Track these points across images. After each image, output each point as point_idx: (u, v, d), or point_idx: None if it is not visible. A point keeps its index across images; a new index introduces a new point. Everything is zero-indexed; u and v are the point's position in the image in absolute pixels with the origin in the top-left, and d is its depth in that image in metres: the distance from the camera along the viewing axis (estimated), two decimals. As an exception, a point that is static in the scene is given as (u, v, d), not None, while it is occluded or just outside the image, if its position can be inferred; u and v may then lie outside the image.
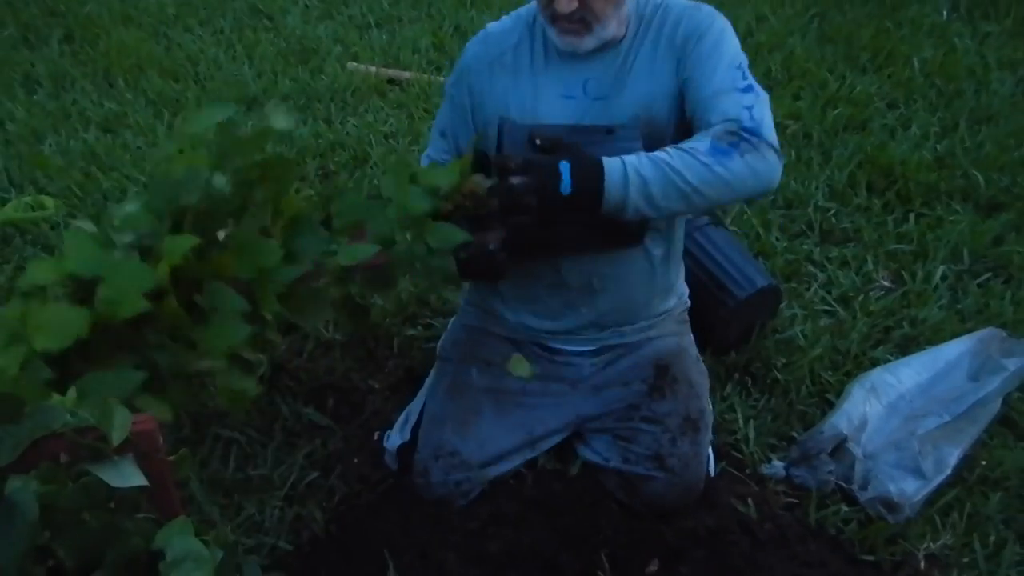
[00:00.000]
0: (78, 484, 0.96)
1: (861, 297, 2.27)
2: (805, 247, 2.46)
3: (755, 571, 1.61)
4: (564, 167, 1.31)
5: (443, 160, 1.65)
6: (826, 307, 2.25)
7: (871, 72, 3.47)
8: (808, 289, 2.30)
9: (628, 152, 1.37)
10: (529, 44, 1.56)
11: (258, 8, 4.27)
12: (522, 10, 1.61)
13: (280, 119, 1.20)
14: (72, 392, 0.97)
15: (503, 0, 4.23)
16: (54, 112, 3.23)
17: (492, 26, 1.63)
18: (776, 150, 1.38)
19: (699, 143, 1.36)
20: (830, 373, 2.03)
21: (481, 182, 1.32)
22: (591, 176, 1.32)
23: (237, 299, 1.04)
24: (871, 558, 1.64)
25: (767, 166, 1.36)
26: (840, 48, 3.63)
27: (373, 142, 2.99)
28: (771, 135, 1.39)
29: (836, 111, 3.11)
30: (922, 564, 1.62)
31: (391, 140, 3.03)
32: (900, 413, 1.76)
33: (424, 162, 1.68)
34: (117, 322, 0.98)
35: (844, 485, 1.71)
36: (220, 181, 1.07)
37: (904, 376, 1.80)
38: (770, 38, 3.62)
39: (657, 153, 1.36)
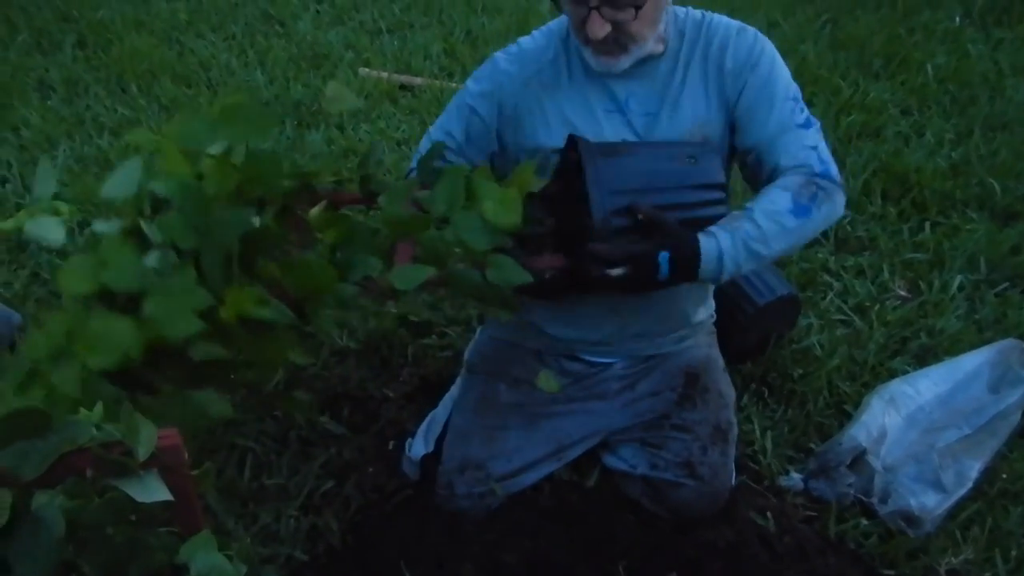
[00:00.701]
0: (103, 499, 0.96)
1: (877, 307, 2.25)
2: (820, 256, 2.44)
3: (774, 585, 1.60)
4: (664, 258, 1.31)
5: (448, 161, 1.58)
6: (842, 316, 2.24)
7: (884, 79, 3.46)
8: (824, 298, 2.29)
9: (714, 189, 1.37)
10: (565, 59, 1.51)
11: (270, 14, 4.28)
12: (553, 25, 1.57)
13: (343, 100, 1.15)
14: (99, 407, 0.96)
15: (513, 5, 4.23)
16: (68, 118, 3.23)
17: (524, 42, 1.57)
18: (842, 187, 1.45)
19: (781, 201, 1.38)
20: (847, 384, 2.02)
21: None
22: (689, 266, 1.33)
23: (288, 314, 1.01)
24: (892, 573, 1.62)
25: (837, 208, 1.45)
26: (852, 54, 3.62)
27: (386, 148, 2.99)
28: (837, 173, 1.45)
29: (850, 118, 3.10)
30: (944, 579, 1.61)
31: (404, 147, 3.03)
32: (919, 425, 1.74)
33: (415, 162, 1.58)
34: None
35: (864, 498, 1.70)
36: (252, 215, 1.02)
37: (923, 387, 1.79)
38: (782, 44, 3.60)
39: (746, 227, 1.36)
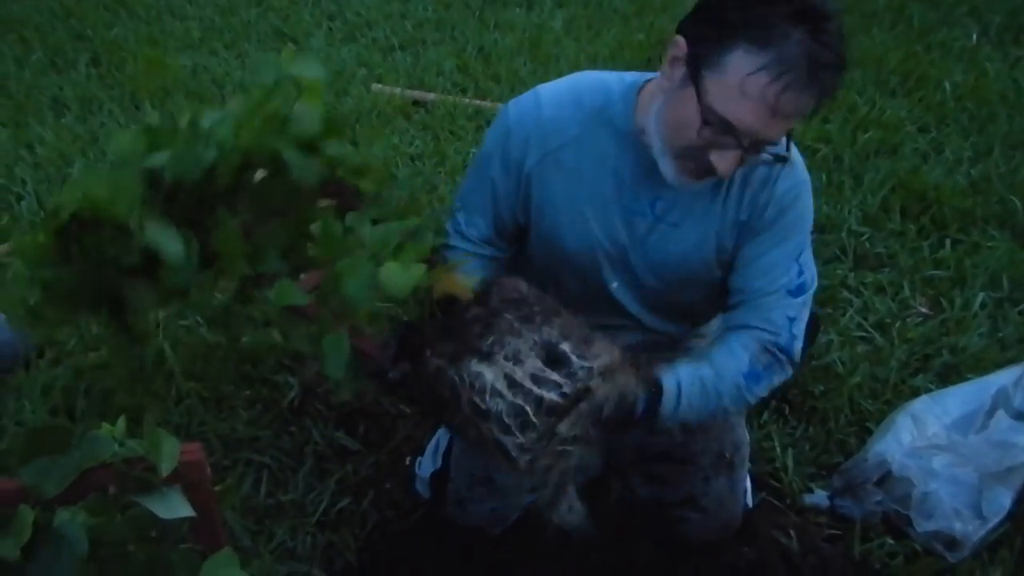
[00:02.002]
0: (126, 516, 0.95)
1: (898, 324, 2.23)
2: (839, 272, 2.42)
3: (798, 606, 1.57)
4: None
5: (483, 236, 1.40)
6: (863, 333, 2.21)
7: (901, 96, 3.44)
8: (844, 315, 2.27)
9: None
10: (593, 141, 1.31)
11: (283, 31, 4.29)
12: (584, 89, 1.33)
13: (309, 67, 1.05)
14: (121, 422, 0.95)
15: (525, 22, 4.23)
16: (82, 135, 3.24)
17: (545, 98, 1.33)
18: (795, 364, 1.37)
19: (739, 362, 1.30)
20: (869, 401, 2.00)
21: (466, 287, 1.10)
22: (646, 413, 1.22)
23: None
24: (919, 594, 1.60)
25: (783, 379, 1.36)
26: (869, 72, 3.61)
27: (400, 164, 2.99)
28: (798, 349, 1.35)
29: (867, 135, 3.09)
30: (972, 601, 1.58)
31: (417, 162, 3.03)
32: (953, 447, 1.71)
33: (453, 237, 1.40)
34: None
35: (899, 512, 1.66)
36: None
37: (950, 406, 1.76)
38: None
39: (707, 382, 1.27)
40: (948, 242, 2.54)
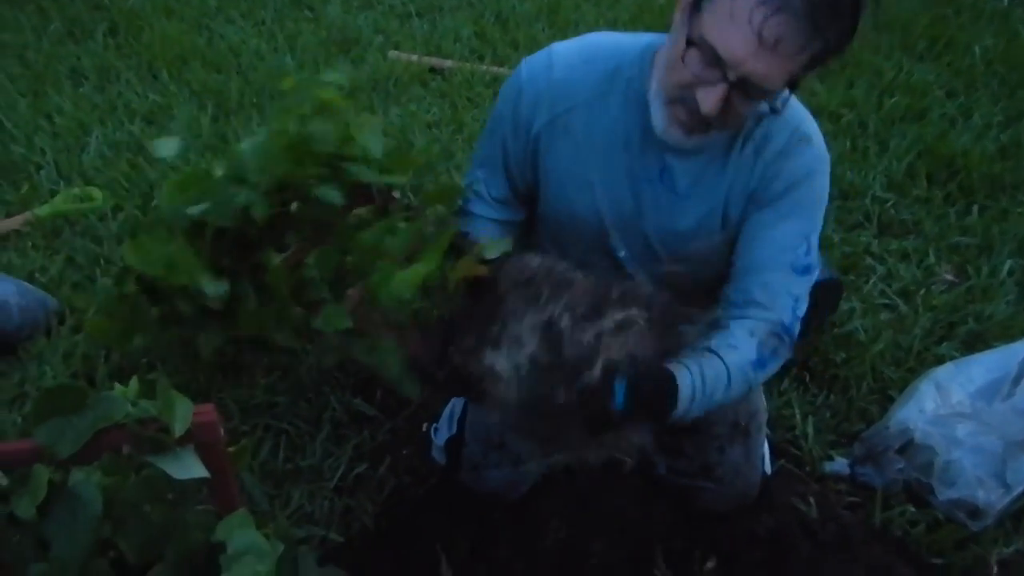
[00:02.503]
0: (141, 476, 0.95)
1: (923, 291, 2.19)
2: (863, 239, 2.38)
3: (816, 574, 1.56)
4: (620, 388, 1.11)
5: (500, 196, 1.38)
6: (886, 301, 2.18)
7: (929, 60, 3.36)
8: (867, 282, 2.23)
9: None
10: (603, 105, 1.27)
11: (300, -1, 4.26)
12: (598, 51, 1.28)
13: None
14: (133, 383, 0.95)
15: (546, -12, 4.17)
16: (100, 105, 3.24)
17: (557, 58, 1.29)
18: (794, 344, 1.33)
19: (747, 351, 1.26)
20: (892, 369, 1.97)
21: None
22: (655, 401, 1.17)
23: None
24: (939, 562, 1.58)
25: (784, 361, 1.33)
26: (896, 36, 3.52)
27: (417, 132, 2.96)
28: (798, 330, 1.32)
29: (893, 100, 3.02)
30: (995, 570, 1.56)
31: (434, 129, 3.00)
32: (978, 415, 1.68)
33: (472, 201, 1.39)
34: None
35: (921, 480, 1.64)
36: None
37: (975, 374, 1.73)
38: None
39: (718, 378, 1.22)
40: (975, 208, 2.49)
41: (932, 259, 2.31)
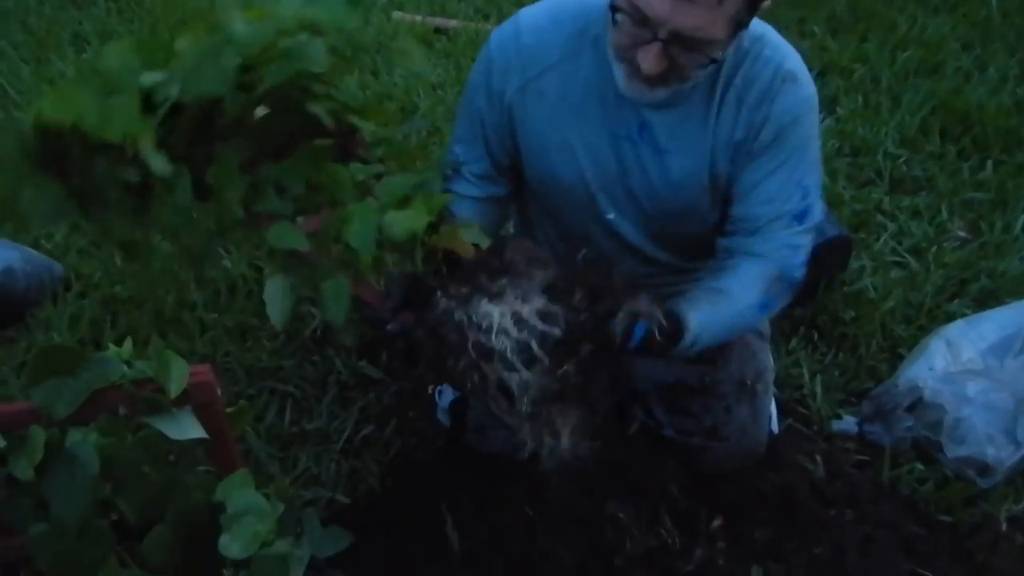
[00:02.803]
0: (138, 437, 0.95)
1: (935, 248, 2.16)
2: (874, 196, 2.34)
3: (823, 531, 1.55)
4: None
5: (481, 172, 1.36)
6: (897, 258, 2.15)
7: (944, 12, 3.28)
8: (878, 240, 2.20)
9: None
10: (574, 66, 1.25)
11: (303, -40, 4.20)
12: (564, 12, 1.26)
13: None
14: (127, 344, 0.94)
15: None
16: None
17: (524, 23, 1.27)
18: (796, 289, 1.34)
19: (753, 293, 1.27)
20: (902, 327, 1.95)
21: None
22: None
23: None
24: (948, 519, 1.57)
25: (784, 305, 1.34)
26: (910, -13, 3.45)
27: (421, 93, 2.93)
28: (801, 276, 1.32)
29: (906, 54, 2.96)
30: (1004, 527, 1.55)
31: (439, 91, 2.97)
32: (989, 372, 1.66)
33: (453, 180, 1.37)
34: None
35: (930, 438, 1.63)
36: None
37: (986, 331, 1.71)
38: (834, -23, 3.46)
39: (724, 315, 1.25)
40: (990, 164, 2.44)
41: (945, 215, 2.27)
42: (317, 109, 0.99)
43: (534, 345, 1.01)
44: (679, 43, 1.07)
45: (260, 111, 0.97)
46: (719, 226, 1.36)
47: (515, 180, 1.40)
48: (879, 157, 2.49)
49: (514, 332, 1.02)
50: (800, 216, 1.27)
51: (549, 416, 1.08)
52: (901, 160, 2.48)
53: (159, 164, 0.85)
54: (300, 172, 1.00)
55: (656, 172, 1.28)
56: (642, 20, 1.06)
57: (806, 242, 1.30)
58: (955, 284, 2.06)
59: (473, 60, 2.90)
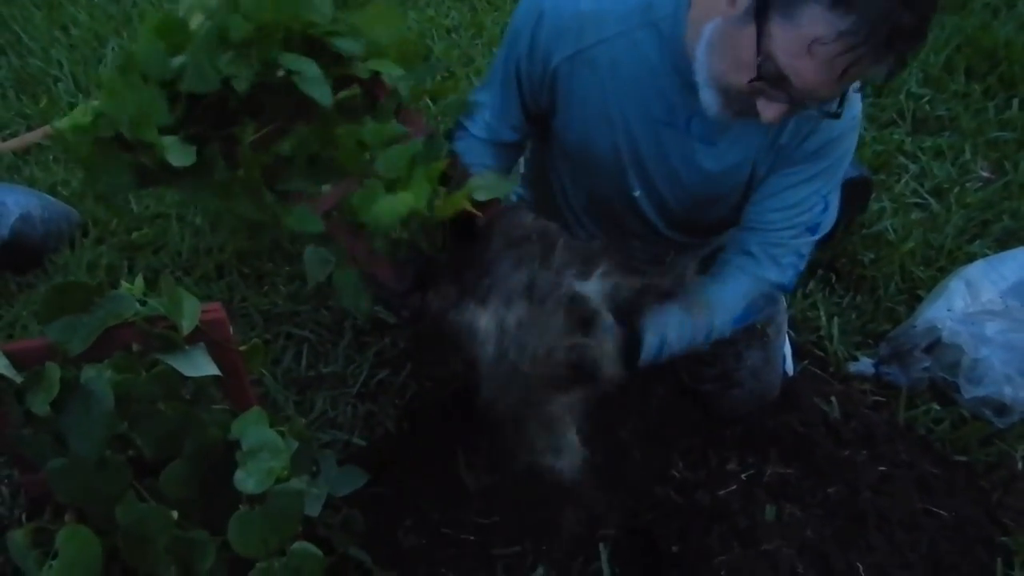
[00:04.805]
0: (152, 373, 0.95)
1: (957, 189, 2.12)
2: (896, 137, 2.30)
3: (839, 471, 1.55)
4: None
5: (501, 115, 1.32)
6: (918, 200, 2.11)
7: (973, -54, 3.18)
8: (899, 181, 2.16)
9: None
10: (630, 42, 1.19)
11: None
12: None
13: None
14: (139, 281, 0.95)
15: None
16: (115, 15, 3.19)
17: None
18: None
19: (734, 308, 1.30)
20: (921, 269, 1.92)
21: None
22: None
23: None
24: (964, 459, 1.56)
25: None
26: (937, -80, 3.33)
27: (436, 37, 2.89)
28: (795, 282, 1.35)
29: (932, -11, 2.87)
30: (1020, 465, 1.54)
31: (453, 34, 2.92)
32: (1009, 313, 1.64)
33: (472, 120, 1.34)
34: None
35: (947, 379, 1.62)
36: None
37: (1007, 271, 1.68)
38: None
39: (697, 329, 1.27)
40: (1016, 102, 2.39)
41: (968, 156, 2.23)
42: (343, 45, 1.02)
43: (512, 354, 1.01)
44: (805, 102, 1.05)
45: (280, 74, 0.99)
46: (738, 217, 1.36)
47: (536, 128, 1.38)
48: (902, 97, 2.43)
49: (495, 341, 1.01)
50: (813, 228, 1.29)
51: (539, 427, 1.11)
52: (924, 100, 2.43)
53: (177, 157, 0.91)
54: (311, 142, 1.01)
55: (696, 161, 1.27)
56: (783, 84, 1.02)
57: (809, 252, 1.32)
58: (976, 225, 2.03)
59: (488, 2, 2.83)
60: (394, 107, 1.08)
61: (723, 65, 1.08)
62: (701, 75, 1.11)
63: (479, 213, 1.05)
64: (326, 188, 1.04)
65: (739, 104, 1.10)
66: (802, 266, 1.32)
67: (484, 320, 1.01)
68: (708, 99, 1.12)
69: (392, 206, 0.98)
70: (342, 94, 1.03)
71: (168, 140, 0.92)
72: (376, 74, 1.07)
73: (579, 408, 1.13)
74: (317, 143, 1.01)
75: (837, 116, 1.09)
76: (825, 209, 1.28)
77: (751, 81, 1.03)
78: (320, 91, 0.97)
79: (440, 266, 1.07)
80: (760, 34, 1.00)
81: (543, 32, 1.22)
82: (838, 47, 0.95)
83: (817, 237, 1.31)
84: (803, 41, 0.97)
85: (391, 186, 1.01)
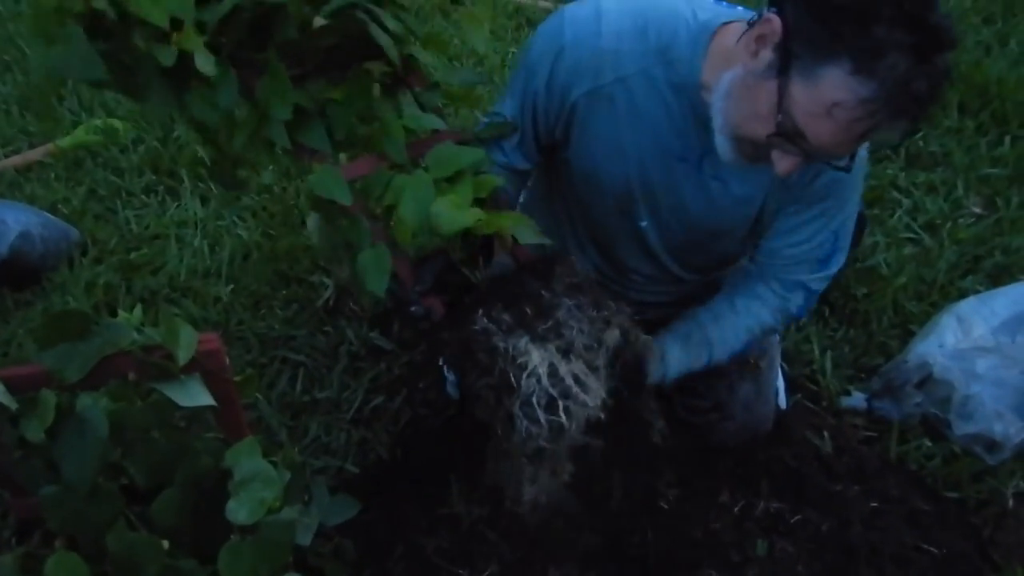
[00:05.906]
0: (147, 402, 0.96)
1: (949, 224, 2.14)
2: (889, 172, 2.32)
3: (830, 505, 1.56)
4: None
5: (516, 142, 1.32)
6: (911, 235, 2.13)
7: (966, -16, 3.22)
8: (892, 216, 2.18)
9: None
10: (648, 81, 1.20)
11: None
12: (648, 26, 1.19)
13: None
14: (137, 310, 0.96)
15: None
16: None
17: (607, 24, 1.20)
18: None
19: (739, 338, 1.37)
20: (914, 303, 1.94)
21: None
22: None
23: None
24: (955, 495, 1.57)
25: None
26: (932, -42, 3.37)
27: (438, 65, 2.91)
28: (803, 314, 1.41)
29: (927, 26, 2.91)
30: (1010, 503, 1.55)
31: (455, 62, 2.94)
32: (1000, 349, 1.65)
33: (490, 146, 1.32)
34: None
35: (938, 415, 1.63)
36: None
37: (999, 307, 1.69)
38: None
39: (701, 355, 1.36)
40: (1008, 139, 2.41)
41: (960, 191, 2.25)
42: (385, 26, 0.98)
43: (560, 404, 1.01)
44: (819, 158, 1.07)
45: (319, 21, 0.96)
46: (741, 252, 1.40)
47: (545, 157, 1.39)
48: (896, 132, 2.45)
49: (546, 382, 1.01)
50: (824, 261, 1.32)
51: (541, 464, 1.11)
52: (918, 135, 2.45)
53: (205, 63, 0.86)
54: (352, 103, 0.98)
55: (707, 194, 1.28)
56: (799, 141, 1.03)
57: (820, 286, 1.35)
58: (969, 260, 2.05)
59: (490, 32, 2.84)
60: (436, 104, 1.07)
61: (740, 115, 1.08)
62: (717, 122, 1.12)
63: (521, 245, 1.05)
64: (343, 158, 1.01)
65: (753, 152, 1.11)
66: (813, 300, 1.37)
67: (537, 358, 1.01)
68: (722, 146, 1.13)
69: (458, 217, 0.96)
70: (371, 64, 1.00)
71: (191, 40, 0.86)
72: (409, 60, 1.05)
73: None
74: (363, 105, 0.98)
75: (848, 170, 1.10)
76: (835, 242, 1.30)
77: (768, 136, 1.04)
78: (387, 42, 0.95)
79: (487, 287, 1.08)
80: (781, 92, 1.01)
81: (562, 67, 1.22)
82: (858, 112, 0.96)
83: (828, 272, 1.33)
84: (824, 104, 0.97)
85: (437, 185, 0.99)
